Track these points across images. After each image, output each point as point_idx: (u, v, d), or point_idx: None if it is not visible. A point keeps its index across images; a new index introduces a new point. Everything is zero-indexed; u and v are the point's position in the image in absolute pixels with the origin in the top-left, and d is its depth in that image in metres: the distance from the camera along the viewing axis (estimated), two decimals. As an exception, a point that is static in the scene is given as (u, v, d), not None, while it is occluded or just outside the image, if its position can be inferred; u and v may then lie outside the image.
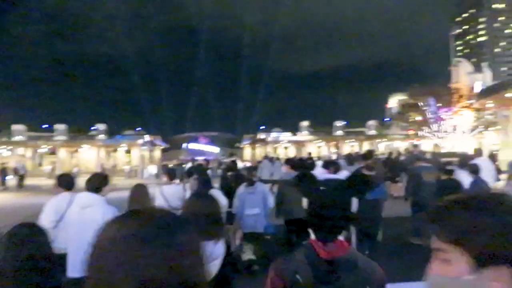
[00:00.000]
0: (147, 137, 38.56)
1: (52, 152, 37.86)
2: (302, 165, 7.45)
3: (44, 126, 41.41)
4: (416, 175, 8.32)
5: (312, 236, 1.70)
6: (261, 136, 42.53)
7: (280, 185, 7.02)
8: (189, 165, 20.56)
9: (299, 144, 41.87)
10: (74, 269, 3.76)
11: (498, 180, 9.84)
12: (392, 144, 43.25)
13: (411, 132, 41.72)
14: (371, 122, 42.45)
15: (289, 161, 7.39)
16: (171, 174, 7.19)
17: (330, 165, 7.43)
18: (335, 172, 6.73)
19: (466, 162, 8.16)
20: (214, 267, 2.28)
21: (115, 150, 41.02)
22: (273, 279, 1.71)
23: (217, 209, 2.50)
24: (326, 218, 1.67)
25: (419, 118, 39.46)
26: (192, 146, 57.74)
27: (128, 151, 40.30)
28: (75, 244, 3.80)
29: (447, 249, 0.82)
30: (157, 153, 54.00)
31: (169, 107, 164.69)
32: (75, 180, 4.51)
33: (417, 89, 42.53)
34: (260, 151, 44.54)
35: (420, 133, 35.89)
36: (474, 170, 7.13)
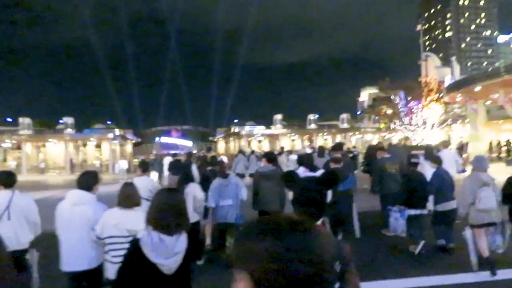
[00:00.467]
0: (117, 131, 37.36)
1: (18, 147, 36.23)
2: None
3: (7, 120, 39.51)
4: (380, 168, 8.37)
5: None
6: (235, 129, 42.11)
7: (256, 177, 7.19)
8: (167, 159, 20.08)
9: (273, 138, 41.83)
10: (68, 263, 3.93)
11: (464, 171, 10.06)
12: (364, 137, 43.81)
13: (382, 125, 42.29)
14: (344, 116, 42.83)
15: (267, 155, 7.59)
16: (143, 166, 7.47)
17: (304, 159, 7.89)
18: (312, 169, 6.99)
19: (431, 153, 8.21)
20: (175, 261, 2.30)
21: (84, 145, 39.70)
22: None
23: (183, 203, 2.54)
24: (307, 207, 2.09)
25: (390, 111, 40.02)
26: (165, 140, 56.88)
27: (98, 146, 39.04)
28: (67, 240, 3.94)
29: (236, 271, 0.95)
30: (129, 148, 52.81)
31: (141, 100, 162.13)
32: (14, 178, 4.38)
33: (387, 83, 43.12)
34: (233, 145, 44.30)
35: (391, 126, 36.48)
36: (437, 161, 7.21)
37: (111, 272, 3.59)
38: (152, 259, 2.21)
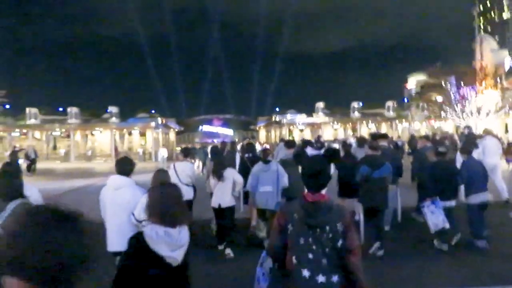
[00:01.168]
0: (159, 120, 37.74)
1: (67, 135, 37.50)
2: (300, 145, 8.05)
3: (59, 110, 40.90)
4: (419, 156, 8.22)
5: (305, 191, 2.61)
6: (276, 118, 41.35)
7: (280, 165, 7.15)
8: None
9: (314, 126, 40.68)
10: (112, 244, 4.20)
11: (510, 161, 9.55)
12: (412, 126, 41.73)
13: (431, 113, 39.98)
14: (390, 103, 40.82)
15: (287, 142, 7.70)
16: (185, 152, 7.64)
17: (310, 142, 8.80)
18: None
19: (468, 142, 8.15)
20: (180, 254, 2.33)
21: (129, 133, 40.45)
22: (279, 216, 2.68)
23: (181, 197, 2.55)
24: (312, 177, 2.61)
25: (440, 99, 37.79)
26: (207, 128, 57.02)
27: (143, 134, 39.64)
28: (111, 222, 4.24)
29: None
30: (172, 136, 53.53)
31: (184, 90, 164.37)
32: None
33: (437, 69, 40.68)
34: (274, 134, 43.61)
35: (442, 114, 34.28)
36: (464, 151, 7.04)
37: None
38: (160, 252, 2.23)
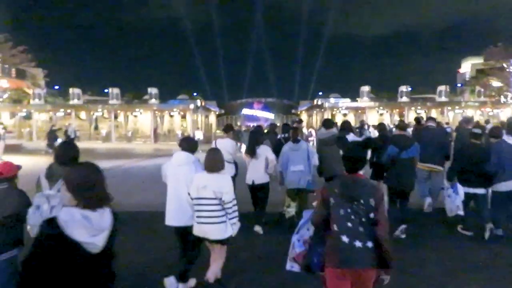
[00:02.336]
0: (198, 102, 36.95)
1: (111, 116, 37.61)
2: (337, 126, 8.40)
3: (105, 91, 41.09)
4: (460, 139, 8.12)
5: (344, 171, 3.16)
6: (318, 102, 39.41)
7: (318, 145, 7.39)
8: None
9: (358, 111, 38.42)
10: (170, 218, 4.41)
11: None
12: (465, 112, 38.51)
13: (488, 99, 36.54)
14: (442, 87, 37.68)
15: (324, 122, 7.75)
16: (226, 128, 7.65)
17: (351, 128, 7.90)
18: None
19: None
20: (101, 239, 2.11)
21: (170, 115, 40.01)
22: (323, 191, 3.15)
23: (102, 177, 2.28)
24: (351, 160, 3.13)
25: (497, 83, 34.34)
26: (247, 111, 56.09)
27: (183, 116, 39.05)
28: (171, 197, 4.40)
29: None
30: (212, 119, 53.01)
31: (227, 73, 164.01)
32: None
33: (495, 51, 37.00)
34: (316, 118, 41.79)
35: (501, 100, 31.06)
36: (494, 135, 6.53)
37: (199, 231, 4.12)
38: (77, 237, 2.02)
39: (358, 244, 2.88)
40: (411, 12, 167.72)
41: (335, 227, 2.96)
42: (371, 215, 2.94)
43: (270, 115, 54.42)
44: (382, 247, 2.88)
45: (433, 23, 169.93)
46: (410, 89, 39.51)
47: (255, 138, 6.94)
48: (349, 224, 2.92)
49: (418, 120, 11.11)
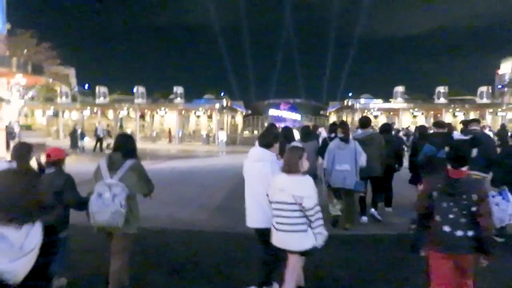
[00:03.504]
0: (224, 102, 35.65)
1: (141, 115, 36.97)
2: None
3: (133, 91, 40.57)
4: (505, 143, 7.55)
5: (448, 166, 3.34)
6: (349, 102, 37.34)
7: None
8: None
9: (391, 113, 36.12)
10: (249, 219, 4.14)
11: None
12: (506, 116, 35.55)
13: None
14: (483, 89, 34.94)
15: (360, 121, 7.51)
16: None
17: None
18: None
19: None
20: (22, 266, 1.66)
21: (197, 115, 38.95)
22: (426, 185, 3.51)
23: (27, 184, 1.98)
24: (457, 158, 3.31)
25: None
26: (273, 112, 54.61)
27: (210, 116, 37.90)
28: (248, 196, 4.14)
29: None
30: (239, 119, 51.81)
31: (255, 73, 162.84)
32: None
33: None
34: (346, 119, 39.73)
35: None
36: None
37: (276, 239, 3.69)
38: None
39: (459, 233, 3.19)
40: (444, 11, 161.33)
41: (437, 218, 3.27)
42: (473, 208, 3.17)
43: (297, 116, 52.75)
44: (483, 237, 3.17)
45: (469, 23, 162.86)
46: (446, 89, 36.78)
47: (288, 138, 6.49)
48: (451, 216, 3.21)
49: (465, 122, 10.05)
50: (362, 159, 6.38)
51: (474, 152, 6.55)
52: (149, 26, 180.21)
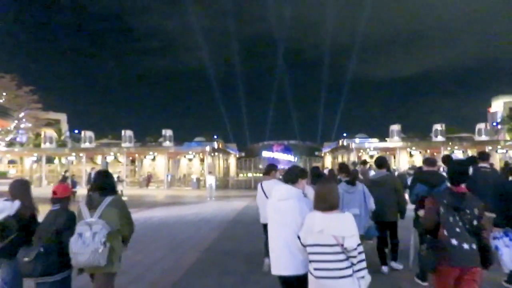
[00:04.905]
0: (215, 144, 33.99)
1: (132, 160, 35.06)
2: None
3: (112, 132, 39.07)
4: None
5: (449, 184, 3.74)
6: (344, 142, 35.81)
7: (368, 185, 6.36)
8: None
9: (387, 152, 34.50)
10: (275, 265, 3.63)
11: None
12: (507, 153, 34.13)
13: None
14: (481, 126, 33.69)
15: (377, 161, 6.91)
16: (267, 169, 6.97)
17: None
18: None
19: None
20: None
21: (189, 160, 37.14)
22: (432, 202, 3.61)
23: None
24: (457, 175, 3.60)
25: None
26: (266, 154, 53.19)
27: (202, 160, 36.07)
28: (273, 239, 3.69)
29: None
30: (232, 162, 50.10)
31: (248, 116, 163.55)
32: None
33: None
34: (342, 159, 38.09)
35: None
36: None
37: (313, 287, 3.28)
38: None
39: (465, 246, 3.36)
40: (434, 54, 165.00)
41: (445, 232, 3.44)
42: (475, 222, 3.43)
43: (290, 157, 51.26)
44: (488, 249, 3.47)
45: (457, 64, 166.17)
46: (443, 126, 35.48)
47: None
48: (458, 230, 3.41)
49: (473, 159, 8.74)
50: (371, 202, 6.08)
51: (471, 170, 6.40)
52: (145, 72, 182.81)
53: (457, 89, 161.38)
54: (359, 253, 3.12)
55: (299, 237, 3.31)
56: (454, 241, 3.34)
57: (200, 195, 26.78)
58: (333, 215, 3.16)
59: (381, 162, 6.92)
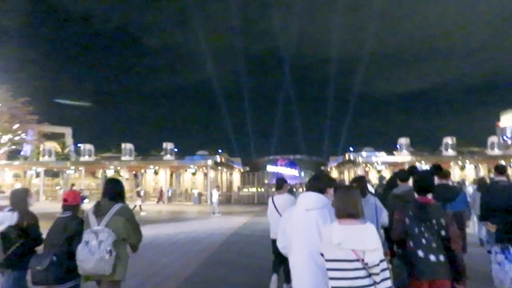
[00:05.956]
0: (218, 158, 32.76)
1: (119, 173, 33.95)
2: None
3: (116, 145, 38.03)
4: None
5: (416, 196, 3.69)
6: (350, 156, 34.43)
7: (390, 201, 5.92)
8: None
9: (396, 166, 33.00)
10: (299, 283, 3.13)
11: None
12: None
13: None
14: (494, 139, 32.19)
15: (399, 174, 6.32)
16: (277, 184, 6.74)
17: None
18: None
19: None
20: None
21: (193, 174, 35.98)
22: (398, 214, 3.59)
23: None
24: (421, 187, 3.63)
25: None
26: (271, 168, 52.04)
27: (206, 174, 34.88)
28: (295, 255, 3.22)
29: None
30: (236, 176, 48.89)
31: (254, 131, 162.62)
32: None
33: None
34: (348, 174, 36.66)
35: None
36: None
37: None
38: None
39: (432, 258, 3.30)
40: (441, 69, 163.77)
41: (411, 244, 3.41)
42: (442, 232, 3.37)
43: (294, 172, 50.06)
44: (456, 260, 3.33)
45: (466, 79, 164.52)
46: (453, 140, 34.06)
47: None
48: (424, 241, 3.36)
49: (437, 168, 7.88)
50: (384, 217, 5.46)
51: (436, 180, 6.15)
52: (152, 87, 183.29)
53: (465, 104, 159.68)
54: (382, 270, 2.70)
55: (322, 254, 2.86)
56: (420, 253, 3.33)
57: (200, 211, 25.52)
58: (353, 226, 2.76)
59: (405, 176, 6.30)
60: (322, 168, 50.36)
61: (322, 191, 3.36)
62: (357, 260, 2.66)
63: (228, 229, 15.06)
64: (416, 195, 3.59)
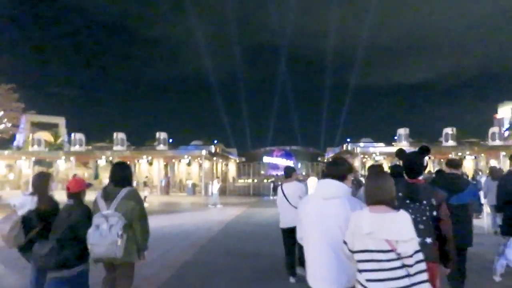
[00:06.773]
0: (212, 148, 31.72)
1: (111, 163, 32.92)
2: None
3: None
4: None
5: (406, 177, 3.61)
6: (348, 147, 33.52)
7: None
8: (311, 179, 18.72)
9: (394, 157, 31.98)
10: (315, 279, 2.94)
11: None
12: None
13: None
14: (495, 130, 31.30)
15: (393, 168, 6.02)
16: (286, 172, 6.66)
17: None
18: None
19: None
20: None
21: (188, 164, 34.99)
22: None
23: None
24: (410, 168, 3.53)
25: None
26: (267, 159, 51.27)
27: (201, 165, 33.91)
28: (313, 248, 2.98)
29: None
30: (232, 167, 48.01)
31: (250, 122, 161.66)
32: None
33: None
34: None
35: None
36: None
37: None
38: None
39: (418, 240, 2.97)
40: (440, 61, 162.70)
41: None
42: (434, 213, 3.27)
43: (290, 163, 49.60)
44: (447, 241, 3.26)
45: (464, 70, 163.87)
46: (454, 129, 33.24)
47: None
48: None
49: (424, 149, 7.57)
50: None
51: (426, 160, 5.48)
52: (148, 78, 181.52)
53: (462, 96, 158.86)
54: (417, 262, 2.50)
55: (345, 242, 2.69)
56: None
57: (194, 202, 24.71)
58: (386, 214, 2.56)
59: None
60: (319, 159, 49.62)
61: (342, 178, 3.01)
62: (392, 251, 2.47)
63: (219, 222, 14.26)
64: (406, 177, 3.51)
